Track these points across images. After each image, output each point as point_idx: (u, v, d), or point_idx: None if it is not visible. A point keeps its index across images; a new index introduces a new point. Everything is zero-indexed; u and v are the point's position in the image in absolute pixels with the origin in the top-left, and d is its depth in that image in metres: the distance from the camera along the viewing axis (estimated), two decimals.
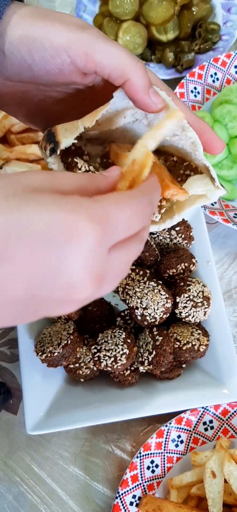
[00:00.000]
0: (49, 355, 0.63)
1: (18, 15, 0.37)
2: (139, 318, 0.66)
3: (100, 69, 0.38)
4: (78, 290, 0.28)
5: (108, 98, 0.40)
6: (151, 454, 0.65)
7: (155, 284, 0.67)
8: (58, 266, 0.27)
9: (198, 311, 0.68)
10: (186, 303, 0.67)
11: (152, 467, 0.65)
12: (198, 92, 0.97)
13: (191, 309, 0.67)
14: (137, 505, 0.62)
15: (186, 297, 0.67)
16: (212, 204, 0.84)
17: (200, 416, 0.67)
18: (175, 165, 0.45)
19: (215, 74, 0.98)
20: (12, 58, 0.38)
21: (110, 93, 0.40)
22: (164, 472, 0.65)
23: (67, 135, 0.39)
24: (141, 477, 0.64)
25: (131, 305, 0.66)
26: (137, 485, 0.63)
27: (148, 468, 0.64)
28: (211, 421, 0.67)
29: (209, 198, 0.43)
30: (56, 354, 0.63)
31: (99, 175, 0.33)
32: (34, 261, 0.27)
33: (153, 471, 0.64)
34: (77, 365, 0.66)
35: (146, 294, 0.65)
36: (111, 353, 0.63)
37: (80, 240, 0.27)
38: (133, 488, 0.63)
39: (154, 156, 0.42)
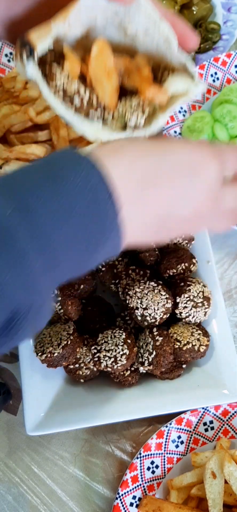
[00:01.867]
0: (49, 355, 0.63)
1: None
2: (139, 318, 0.66)
3: None
4: (201, 210, 0.41)
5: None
6: (151, 454, 0.65)
7: (155, 284, 0.66)
8: (190, 191, 0.40)
9: (198, 311, 0.68)
10: (186, 303, 0.67)
11: (152, 467, 0.64)
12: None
13: (191, 309, 0.67)
14: (137, 506, 0.62)
15: (186, 297, 0.67)
16: None
17: (201, 417, 0.67)
18: (152, 70, 0.44)
19: (215, 73, 0.98)
20: None
21: None
22: (164, 472, 0.65)
23: (41, 38, 0.38)
24: (141, 478, 0.64)
25: (131, 305, 0.66)
26: (137, 486, 0.63)
27: (148, 468, 0.64)
28: (211, 422, 0.67)
29: (189, 95, 0.43)
30: (56, 354, 0.63)
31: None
32: (174, 189, 0.39)
33: (153, 472, 0.64)
34: (77, 365, 0.66)
35: (146, 294, 0.65)
36: (111, 354, 0.63)
37: (206, 172, 0.40)
38: (133, 489, 0.63)
39: (130, 61, 0.43)
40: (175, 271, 0.70)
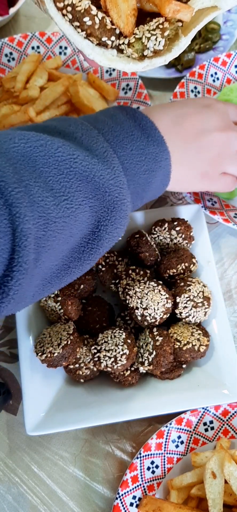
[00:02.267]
0: (49, 355, 0.63)
1: None
2: (139, 318, 0.66)
3: None
4: (222, 130, 0.65)
5: None
6: (151, 454, 0.65)
7: (155, 284, 0.66)
8: (211, 114, 0.65)
9: (199, 311, 0.68)
10: (186, 303, 0.67)
11: (152, 467, 0.64)
12: (198, 92, 0.97)
13: (191, 309, 0.67)
14: (137, 506, 0.62)
15: (187, 297, 0.67)
16: (212, 204, 0.84)
17: (201, 417, 0.67)
18: None
19: (216, 73, 0.98)
20: None
21: None
22: (164, 472, 0.65)
23: None
24: (141, 478, 0.64)
25: (131, 305, 0.66)
26: (137, 486, 0.63)
27: (148, 468, 0.64)
28: (211, 422, 0.67)
29: (220, 7, 0.36)
30: (56, 354, 0.63)
31: None
32: (199, 114, 0.63)
33: (153, 472, 0.64)
34: (77, 365, 0.66)
35: (146, 294, 0.65)
36: (111, 354, 0.63)
37: (217, 105, 0.68)
38: (133, 489, 0.63)
39: None
40: (175, 271, 0.70)
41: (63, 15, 0.35)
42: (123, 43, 0.37)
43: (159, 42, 0.37)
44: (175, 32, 0.38)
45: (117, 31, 0.37)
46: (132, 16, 0.37)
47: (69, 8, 0.35)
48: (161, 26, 0.37)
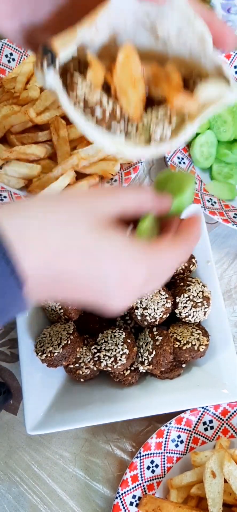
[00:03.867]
0: (49, 355, 0.63)
1: None
2: (139, 318, 0.66)
3: None
4: (114, 312, 0.40)
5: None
6: (151, 454, 0.65)
7: None
8: (106, 295, 0.38)
9: (198, 311, 0.68)
10: (186, 303, 0.67)
11: (152, 467, 0.65)
12: None
13: (191, 309, 0.67)
14: (137, 505, 0.62)
15: (186, 297, 0.67)
16: (212, 204, 0.84)
17: (200, 416, 0.67)
18: (184, 79, 0.39)
19: None
20: None
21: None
22: (164, 472, 0.65)
23: (65, 44, 0.35)
24: (141, 477, 0.64)
25: (131, 305, 0.66)
26: (137, 485, 0.63)
27: (148, 468, 0.64)
28: (211, 421, 0.67)
29: (223, 101, 0.37)
30: (56, 354, 0.63)
31: (152, 198, 0.41)
32: (89, 292, 0.37)
33: (153, 471, 0.64)
34: (77, 365, 0.66)
35: (146, 294, 0.65)
36: (111, 353, 0.63)
37: (133, 284, 0.38)
38: (133, 488, 0.63)
39: (159, 67, 0.39)
40: (174, 271, 0.70)
41: (75, 105, 0.37)
42: (131, 129, 0.39)
43: (166, 131, 0.39)
44: (181, 119, 0.39)
45: (126, 116, 0.39)
46: (140, 103, 0.39)
47: (81, 104, 0.37)
48: (168, 115, 0.39)
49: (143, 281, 0.38)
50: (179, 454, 0.66)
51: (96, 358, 0.64)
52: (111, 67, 0.38)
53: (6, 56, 0.98)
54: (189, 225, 0.42)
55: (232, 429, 0.67)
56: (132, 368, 0.66)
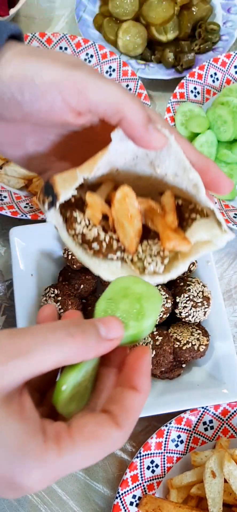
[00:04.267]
0: None
1: (11, 53, 0.36)
2: None
3: (94, 107, 0.35)
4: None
5: (108, 139, 0.38)
6: (151, 454, 0.65)
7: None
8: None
9: (198, 311, 0.68)
10: (186, 303, 0.67)
11: (152, 467, 0.65)
12: (198, 92, 0.97)
13: (191, 309, 0.67)
14: (137, 505, 0.62)
15: (186, 297, 0.67)
16: None
17: (200, 416, 0.67)
18: (180, 208, 0.42)
19: (215, 74, 0.98)
20: (1, 95, 0.36)
21: (109, 134, 0.37)
22: (164, 472, 0.65)
23: (66, 186, 0.37)
24: (141, 477, 0.64)
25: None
26: (137, 485, 0.63)
27: (148, 468, 0.64)
28: (211, 421, 0.67)
29: (215, 244, 0.39)
30: None
31: (92, 338, 0.31)
32: None
33: (153, 471, 0.64)
34: None
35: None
36: None
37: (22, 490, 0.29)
38: (133, 488, 0.63)
39: (155, 203, 0.41)
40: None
41: (73, 238, 0.39)
42: (128, 256, 0.41)
43: (159, 267, 0.40)
44: (175, 254, 0.41)
45: (122, 247, 0.41)
46: (136, 237, 0.40)
47: (79, 236, 0.39)
48: (161, 254, 0.40)
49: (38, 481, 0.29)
50: (179, 454, 0.66)
51: None
52: (111, 195, 0.40)
53: None
54: (137, 375, 0.33)
55: (232, 429, 0.67)
56: None
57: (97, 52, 0.99)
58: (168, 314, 0.67)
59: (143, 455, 0.64)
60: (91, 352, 0.31)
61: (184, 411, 0.66)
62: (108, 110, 0.35)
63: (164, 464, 0.65)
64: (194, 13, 1.03)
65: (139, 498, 0.63)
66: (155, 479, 0.64)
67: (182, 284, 0.69)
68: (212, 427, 0.67)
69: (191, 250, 0.40)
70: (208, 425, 0.67)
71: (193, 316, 0.68)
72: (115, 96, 0.35)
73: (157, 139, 0.36)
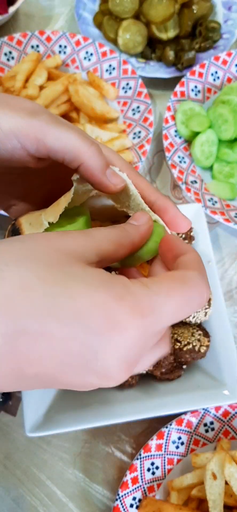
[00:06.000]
0: None
1: None
2: None
3: (53, 154, 0.36)
4: (110, 378, 0.27)
5: (70, 174, 0.39)
6: (151, 455, 0.64)
7: None
8: (94, 352, 0.26)
9: (199, 311, 0.67)
10: None
11: (153, 469, 0.64)
12: (199, 91, 0.96)
13: None
14: (137, 507, 0.62)
15: None
16: (213, 204, 0.84)
17: (201, 418, 0.66)
18: None
19: (216, 72, 0.98)
20: None
21: (72, 170, 0.38)
22: (165, 474, 0.64)
23: (32, 231, 0.38)
24: (141, 479, 0.63)
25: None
26: (137, 487, 0.63)
27: (148, 470, 0.64)
28: (212, 423, 0.66)
29: None
30: None
31: (130, 225, 0.35)
32: (70, 342, 0.26)
33: (153, 473, 0.64)
34: None
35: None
36: None
37: (121, 334, 0.26)
38: (133, 490, 0.63)
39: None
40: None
41: None
42: None
43: None
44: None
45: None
46: None
47: None
48: None
49: (139, 334, 0.27)
50: (179, 455, 0.65)
51: None
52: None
53: (5, 54, 0.97)
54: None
55: (233, 430, 0.66)
56: None
57: (97, 50, 0.98)
58: None
59: (143, 457, 0.64)
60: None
61: (184, 413, 0.66)
62: (66, 157, 0.36)
63: (164, 466, 0.65)
64: (195, 11, 1.03)
65: (139, 500, 0.62)
66: (156, 481, 0.64)
67: None
68: (213, 429, 0.66)
69: None
70: (209, 427, 0.66)
71: (194, 317, 0.67)
72: (73, 143, 0.36)
73: (115, 184, 0.38)
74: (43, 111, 0.37)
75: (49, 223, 0.38)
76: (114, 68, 0.97)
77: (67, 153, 0.36)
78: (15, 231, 0.38)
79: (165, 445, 0.65)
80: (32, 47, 0.98)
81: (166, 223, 0.40)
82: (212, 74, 0.97)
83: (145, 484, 0.63)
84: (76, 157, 0.36)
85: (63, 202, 0.38)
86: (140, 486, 0.63)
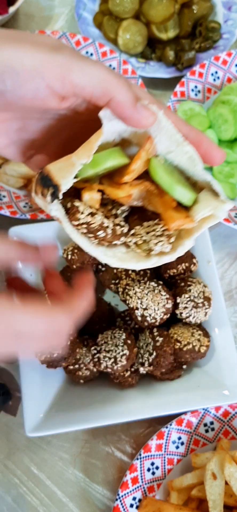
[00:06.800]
0: (48, 356, 0.62)
1: None
2: (139, 318, 0.65)
3: (80, 91, 0.35)
4: None
5: (94, 119, 0.37)
6: (151, 455, 0.64)
7: (156, 284, 0.66)
8: None
9: (199, 311, 0.67)
10: (186, 303, 0.67)
11: (153, 469, 0.64)
12: (199, 91, 0.96)
13: (191, 309, 0.67)
14: (137, 507, 0.62)
15: (187, 298, 0.67)
16: None
17: (201, 418, 0.66)
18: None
19: (216, 72, 0.98)
20: None
21: (95, 114, 0.37)
22: (165, 474, 0.64)
23: (64, 175, 0.36)
24: (141, 479, 0.63)
25: (131, 306, 0.65)
26: (137, 487, 0.63)
27: (149, 470, 0.64)
28: (212, 423, 0.66)
29: (217, 217, 0.39)
30: (55, 355, 0.62)
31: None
32: None
33: (153, 473, 0.64)
34: (76, 366, 0.66)
35: (146, 294, 0.65)
36: (111, 354, 0.63)
37: None
38: (133, 490, 0.63)
39: (150, 183, 0.40)
40: (175, 271, 0.70)
41: (78, 229, 0.39)
42: (131, 241, 0.41)
43: (166, 247, 0.40)
44: (178, 232, 0.41)
45: (125, 230, 0.41)
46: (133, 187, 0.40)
47: (84, 226, 0.38)
48: (166, 233, 0.40)
49: None
50: (179, 455, 0.65)
51: (96, 359, 0.64)
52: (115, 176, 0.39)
53: None
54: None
55: (233, 430, 0.66)
56: (132, 369, 0.66)
57: (97, 50, 0.98)
58: (169, 315, 0.67)
59: (143, 457, 0.64)
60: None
61: (184, 413, 0.66)
62: (94, 92, 0.35)
63: (164, 466, 0.65)
64: (195, 11, 1.03)
65: (139, 500, 0.62)
66: (156, 481, 0.64)
67: (182, 284, 0.69)
68: (213, 429, 0.66)
69: (195, 227, 0.40)
70: (209, 427, 0.66)
71: (194, 317, 0.67)
72: (101, 77, 0.35)
73: (146, 117, 0.36)
74: (66, 46, 0.35)
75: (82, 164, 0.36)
76: (114, 68, 0.97)
77: (96, 87, 0.35)
78: (44, 178, 0.36)
79: (165, 445, 0.65)
80: None
81: (201, 156, 0.39)
82: (212, 74, 0.97)
83: (145, 484, 0.63)
84: (105, 91, 0.35)
85: (95, 140, 0.37)
86: (140, 486, 0.63)
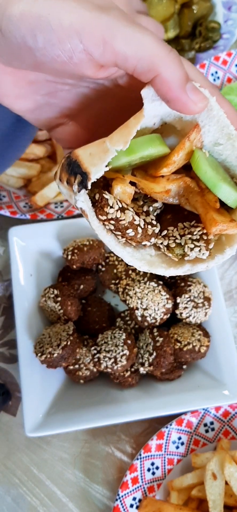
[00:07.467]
0: (48, 356, 0.62)
1: None
2: (139, 318, 0.65)
3: (122, 61, 0.29)
4: None
5: (133, 96, 0.32)
6: (151, 456, 0.64)
7: (156, 285, 0.66)
8: None
9: (199, 311, 0.67)
10: (186, 303, 0.67)
11: (153, 469, 0.64)
12: None
13: (191, 309, 0.67)
14: (137, 507, 0.62)
15: (187, 298, 0.67)
16: None
17: (201, 418, 0.66)
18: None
19: (216, 72, 0.98)
20: (10, 38, 0.30)
21: (136, 91, 0.31)
22: (165, 474, 0.64)
23: (95, 163, 0.31)
24: (142, 479, 0.63)
25: (131, 306, 0.65)
26: (138, 487, 0.63)
27: (149, 470, 0.64)
28: (212, 423, 0.66)
29: None
30: (55, 355, 0.62)
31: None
32: None
33: (153, 473, 0.64)
34: (76, 366, 0.66)
35: (147, 294, 0.65)
36: (111, 354, 0.63)
37: None
38: (133, 490, 0.62)
39: (191, 179, 0.35)
40: None
41: (104, 225, 0.34)
42: (162, 243, 0.36)
43: (203, 253, 0.35)
44: (218, 238, 0.36)
45: (157, 230, 0.36)
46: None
47: (112, 221, 0.33)
48: (205, 237, 0.34)
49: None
50: (179, 456, 0.65)
51: (96, 359, 0.64)
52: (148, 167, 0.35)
53: None
54: None
55: (233, 430, 0.66)
56: (132, 370, 0.66)
57: None
58: (169, 315, 0.67)
59: (143, 457, 0.64)
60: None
61: (184, 413, 0.66)
62: (139, 65, 0.30)
63: (164, 466, 0.65)
64: (195, 11, 1.03)
65: (139, 500, 0.62)
66: (156, 481, 0.64)
67: (182, 284, 0.69)
68: (213, 429, 0.66)
69: None
70: (209, 427, 0.66)
71: (194, 317, 0.67)
72: (149, 49, 0.29)
73: (196, 102, 0.31)
74: (115, 7, 0.30)
75: (117, 151, 0.31)
76: None
77: (141, 59, 0.29)
78: (72, 164, 0.32)
79: (165, 445, 0.65)
80: None
81: None
82: (212, 74, 0.97)
83: (145, 484, 0.63)
84: (151, 66, 0.29)
85: (134, 124, 0.32)
86: (140, 486, 0.63)
